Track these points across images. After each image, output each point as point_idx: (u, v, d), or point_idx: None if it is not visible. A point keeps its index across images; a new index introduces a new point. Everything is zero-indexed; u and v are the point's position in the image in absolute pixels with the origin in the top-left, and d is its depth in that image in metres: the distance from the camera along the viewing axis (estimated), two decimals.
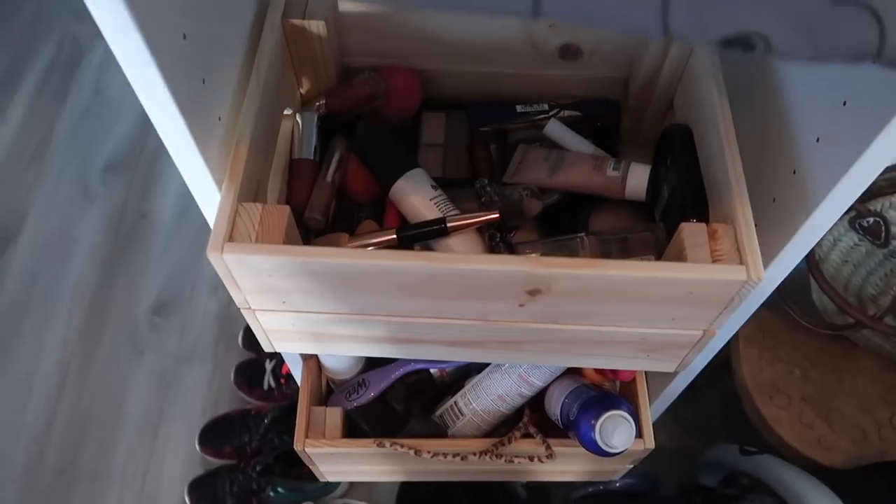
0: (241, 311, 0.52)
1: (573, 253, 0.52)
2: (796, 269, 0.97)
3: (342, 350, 0.57)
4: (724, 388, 1.09)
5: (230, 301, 1.50)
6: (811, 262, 0.97)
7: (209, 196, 0.48)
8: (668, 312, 0.48)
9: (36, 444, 1.33)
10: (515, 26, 0.59)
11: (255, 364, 1.39)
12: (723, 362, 1.09)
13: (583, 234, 0.53)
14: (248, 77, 0.51)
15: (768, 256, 0.52)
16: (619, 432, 0.59)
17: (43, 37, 1.90)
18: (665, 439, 1.29)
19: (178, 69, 0.40)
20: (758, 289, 0.53)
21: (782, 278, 0.54)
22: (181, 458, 1.32)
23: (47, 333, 1.45)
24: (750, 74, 0.57)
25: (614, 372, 0.69)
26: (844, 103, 0.44)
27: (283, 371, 1.35)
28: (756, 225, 0.51)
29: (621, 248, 0.53)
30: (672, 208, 0.52)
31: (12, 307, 1.48)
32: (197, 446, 1.30)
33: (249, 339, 1.43)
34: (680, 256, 0.46)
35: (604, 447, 0.60)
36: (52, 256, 1.55)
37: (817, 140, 0.47)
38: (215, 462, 1.30)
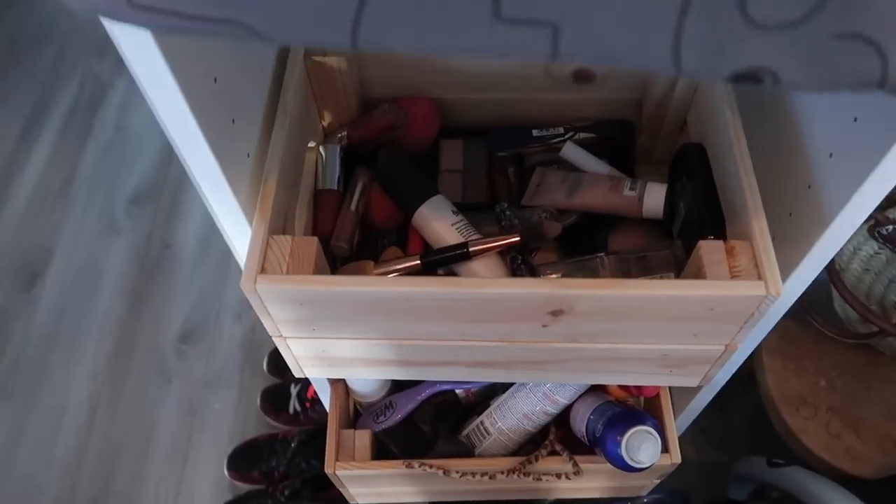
0: (273, 338, 0.53)
1: (594, 273, 0.53)
2: (818, 280, 0.98)
3: (371, 374, 0.58)
4: (751, 401, 1.08)
5: (254, 327, 1.53)
6: (832, 272, 0.98)
7: (240, 229, 0.49)
8: (689, 329, 0.49)
9: (68, 475, 1.35)
10: None
11: (280, 389, 1.40)
12: (748, 375, 1.09)
13: (602, 254, 0.54)
14: (274, 113, 0.53)
15: (786, 270, 0.52)
16: (645, 448, 0.59)
17: (66, 76, 1.96)
18: (692, 453, 1.29)
19: (210, 112, 0.42)
20: (777, 302, 0.54)
21: (801, 291, 0.55)
22: (210, 483, 1.34)
23: (76, 365, 1.48)
24: (762, 92, 0.58)
25: (638, 388, 0.70)
26: (855, 119, 0.45)
27: (309, 395, 1.37)
28: (774, 239, 0.52)
29: (641, 267, 0.54)
30: (689, 226, 0.53)
31: (42, 340, 1.51)
32: (226, 472, 1.32)
33: (274, 364, 1.45)
34: (699, 273, 0.47)
35: (630, 463, 0.60)
36: (79, 289, 1.58)
37: (830, 155, 0.48)
38: (244, 487, 1.31)
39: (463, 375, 0.57)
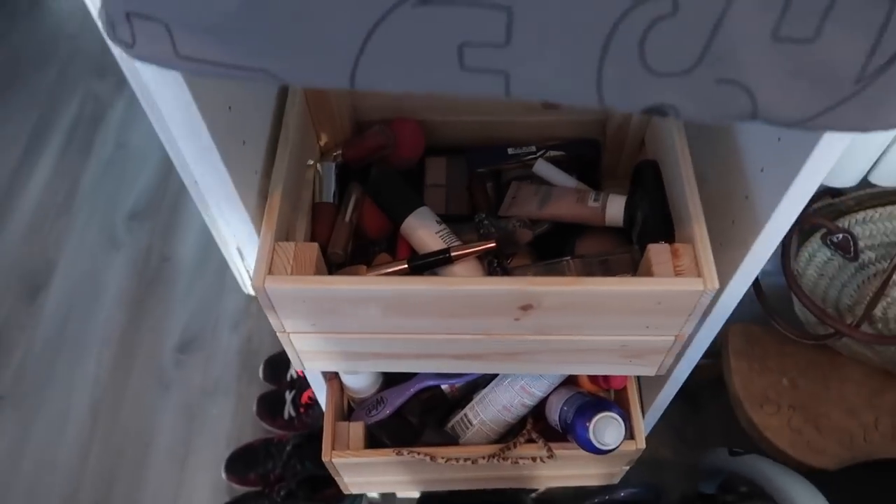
0: (277, 334, 0.60)
1: (561, 274, 0.61)
2: (780, 286, 1.05)
3: (364, 367, 0.65)
4: (722, 404, 1.15)
5: (250, 336, 1.59)
6: (790, 277, 1.05)
7: (249, 238, 0.56)
8: (642, 321, 0.56)
9: (71, 479, 1.40)
10: None
11: (275, 395, 1.46)
12: (718, 378, 1.17)
13: (569, 257, 0.62)
14: (278, 136, 0.61)
15: (731, 270, 0.60)
16: (610, 431, 0.66)
17: (67, 96, 2.03)
18: (668, 454, 1.36)
19: (225, 136, 0.49)
20: (726, 299, 0.62)
21: (746, 287, 0.62)
22: (208, 486, 1.40)
23: (79, 373, 1.53)
24: None
25: (606, 381, 0.77)
26: (779, 139, 0.53)
27: (303, 401, 1.43)
28: (720, 244, 0.60)
29: (603, 269, 0.61)
30: (645, 232, 0.61)
31: (45, 350, 1.57)
32: (223, 475, 1.38)
33: (270, 371, 1.51)
34: (649, 273, 0.54)
35: (598, 445, 0.67)
36: (81, 301, 1.64)
37: (762, 170, 0.56)
38: (241, 489, 1.37)
39: (448, 367, 0.64)
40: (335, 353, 0.62)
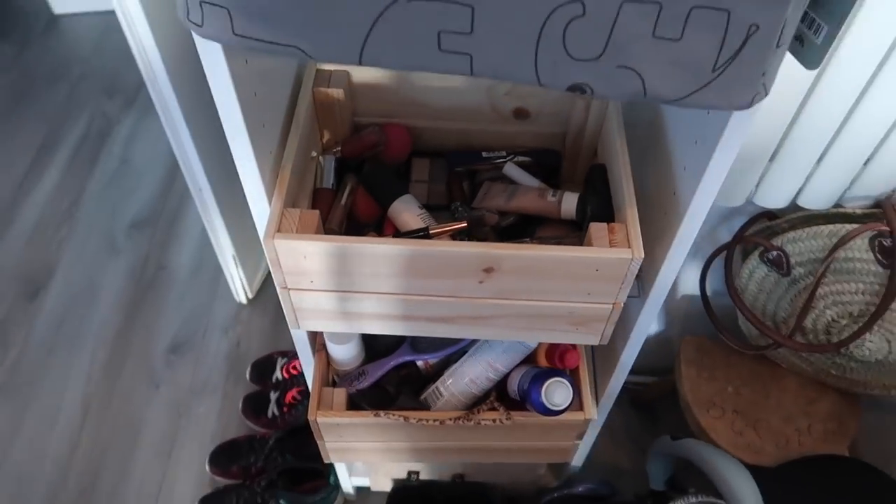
0: (278, 289, 0.71)
1: None
2: (727, 305, 1.17)
3: (350, 328, 0.76)
4: (679, 417, 1.26)
5: (239, 341, 1.69)
6: (732, 291, 1.18)
7: (262, 205, 0.68)
8: (584, 287, 0.68)
9: (60, 468, 1.47)
10: (481, 95, 0.81)
11: (260, 395, 1.55)
12: (675, 394, 1.28)
13: (528, 238, 0.74)
14: (290, 126, 0.73)
15: (663, 253, 0.72)
16: (559, 393, 0.77)
17: (77, 113, 2.15)
18: (626, 463, 1.46)
19: (252, 116, 0.61)
20: (662, 278, 0.74)
21: (677, 269, 0.74)
22: (192, 479, 1.47)
23: (73, 369, 1.61)
24: (648, 125, 0.80)
25: (562, 360, 0.88)
26: (696, 142, 0.66)
27: (286, 400, 1.52)
28: (655, 234, 0.72)
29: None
30: (591, 220, 0.73)
31: (41, 346, 1.65)
32: (207, 467, 1.45)
33: (256, 373, 1.60)
34: (589, 245, 0.66)
35: (548, 405, 0.78)
36: (78, 302, 1.73)
37: (684, 168, 0.68)
38: (223, 482, 1.44)
39: (423, 330, 0.75)
40: (327, 311, 0.73)
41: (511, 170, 0.84)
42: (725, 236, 1.20)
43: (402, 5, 0.41)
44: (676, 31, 0.40)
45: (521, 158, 0.85)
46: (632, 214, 0.67)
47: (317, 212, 0.67)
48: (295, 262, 0.67)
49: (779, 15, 0.40)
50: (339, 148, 0.82)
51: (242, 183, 0.66)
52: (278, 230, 0.65)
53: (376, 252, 0.65)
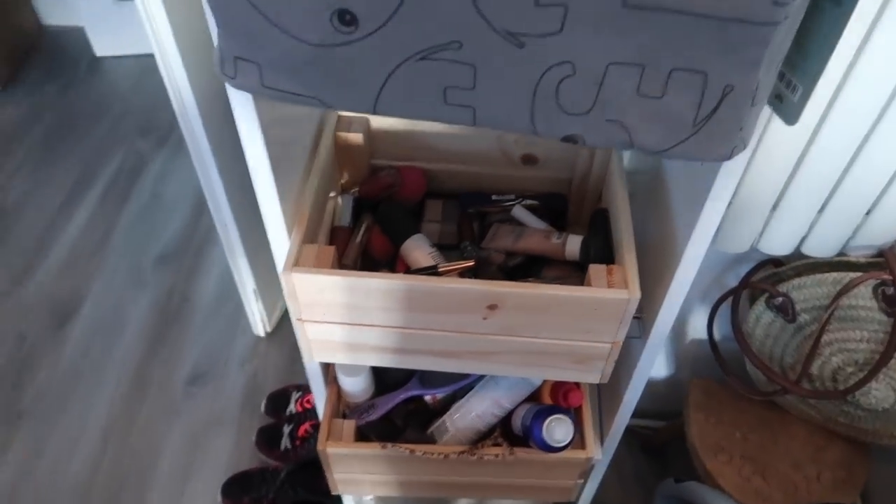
0: (294, 321, 0.75)
1: None
2: (736, 350, 1.19)
3: (360, 360, 0.79)
4: (688, 461, 1.26)
5: (256, 374, 1.73)
6: (740, 336, 1.20)
7: (282, 240, 0.72)
8: (584, 326, 0.71)
9: (79, 493, 1.50)
10: (491, 141, 0.86)
11: (274, 428, 1.58)
12: (684, 438, 1.29)
13: (532, 278, 0.77)
14: (311, 167, 0.78)
15: (662, 295, 0.75)
16: (560, 429, 0.80)
17: (113, 149, 2.25)
18: None
19: (276, 157, 0.66)
20: (661, 322, 0.76)
21: (675, 312, 0.77)
22: None
23: (96, 396, 1.66)
24: (651, 173, 0.84)
25: (566, 398, 0.90)
26: (691, 190, 0.69)
27: (299, 434, 1.55)
28: (658, 277, 0.75)
29: None
30: (593, 262, 0.77)
31: (67, 373, 1.70)
32: (219, 498, 1.48)
33: (272, 405, 1.63)
34: (589, 285, 0.69)
35: (550, 442, 0.80)
36: (105, 331, 1.79)
37: (680, 216, 0.72)
38: None
39: (429, 364, 0.78)
40: (339, 343, 0.77)
41: (519, 212, 0.88)
42: (733, 281, 1.23)
43: (412, 65, 0.46)
44: (658, 89, 0.45)
45: (528, 202, 0.89)
46: (630, 257, 0.71)
47: (332, 248, 0.71)
48: (310, 296, 0.71)
49: (752, 77, 0.44)
50: (357, 188, 0.87)
51: (264, 219, 0.71)
52: (296, 264, 0.69)
53: (385, 287, 0.69)
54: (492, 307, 0.70)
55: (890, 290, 1.01)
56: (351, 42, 0.46)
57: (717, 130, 0.46)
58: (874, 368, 1.05)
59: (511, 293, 0.68)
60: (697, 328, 1.35)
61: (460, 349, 0.76)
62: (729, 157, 0.49)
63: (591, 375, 0.78)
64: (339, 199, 0.86)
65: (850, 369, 1.10)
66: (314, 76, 0.48)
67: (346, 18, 0.44)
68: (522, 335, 0.73)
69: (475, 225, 0.90)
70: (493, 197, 0.89)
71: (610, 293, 0.68)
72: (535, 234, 0.85)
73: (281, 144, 0.68)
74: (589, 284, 0.70)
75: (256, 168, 0.65)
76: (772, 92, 0.53)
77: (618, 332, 0.71)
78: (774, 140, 0.89)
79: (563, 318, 0.70)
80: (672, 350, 1.44)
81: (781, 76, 0.51)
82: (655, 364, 1.46)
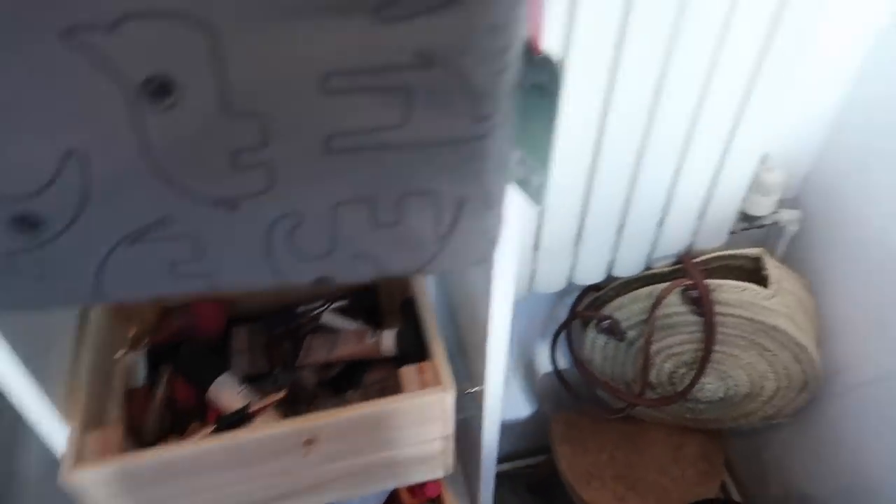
0: None
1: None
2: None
3: None
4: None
5: None
6: (579, 364, 1.23)
7: (57, 430, 0.64)
8: (410, 434, 0.68)
9: None
10: None
11: None
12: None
13: (351, 390, 0.74)
14: (83, 337, 0.70)
15: (480, 380, 0.74)
16: None
17: None
18: None
19: (30, 347, 0.58)
20: (491, 397, 0.75)
21: (501, 382, 0.76)
22: None
23: None
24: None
25: (422, 491, 0.87)
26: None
27: None
28: (473, 354, 0.74)
29: (381, 395, 0.73)
30: (406, 357, 0.74)
31: None
32: None
33: None
34: (406, 390, 0.67)
35: None
36: None
37: (480, 295, 0.72)
38: None
39: None
40: None
41: (329, 318, 0.85)
42: (565, 313, 1.26)
43: (125, 249, 0.42)
44: (393, 217, 0.43)
45: (338, 304, 0.86)
46: (438, 349, 0.69)
47: (119, 428, 0.64)
48: (105, 490, 0.62)
49: (482, 186, 0.44)
50: (148, 340, 0.80)
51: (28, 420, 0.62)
52: (76, 462, 0.61)
53: (186, 456, 0.62)
54: (308, 442, 0.65)
55: (694, 293, 1.08)
56: (43, 244, 0.40)
57: (464, 241, 0.46)
58: (700, 366, 1.12)
59: (322, 425, 0.64)
60: (545, 363, 1.38)
61: (291, 490, 0.71)
62: (484, 259, 0.48)
63: (435, 472, 0.75)
64: (128, 358, 0.78)
65: (682, 371, 1.16)
66: (14, 282, 0.42)
67: (24, 226, 0.39)
68: (348, 459, 0.69)
69: (286, 344, 0.85)
70: (300, 309, 0.85)
71: (425, 395, 0.66)
72: (349, 338, 0.82)
73: (31, 334, 0.60)
74: (403, 389, 0.67)
75: (7, 373, 0.57)
76: (515, 177, 0.53)
77: (444, 427, 0.70)
78: (561, 184, 0.92)
79: (385, 432, 0.67)
80: (528, 388, 1.46)
81: (523, 161, 0.51)
82: (518, 404, 1.47)
